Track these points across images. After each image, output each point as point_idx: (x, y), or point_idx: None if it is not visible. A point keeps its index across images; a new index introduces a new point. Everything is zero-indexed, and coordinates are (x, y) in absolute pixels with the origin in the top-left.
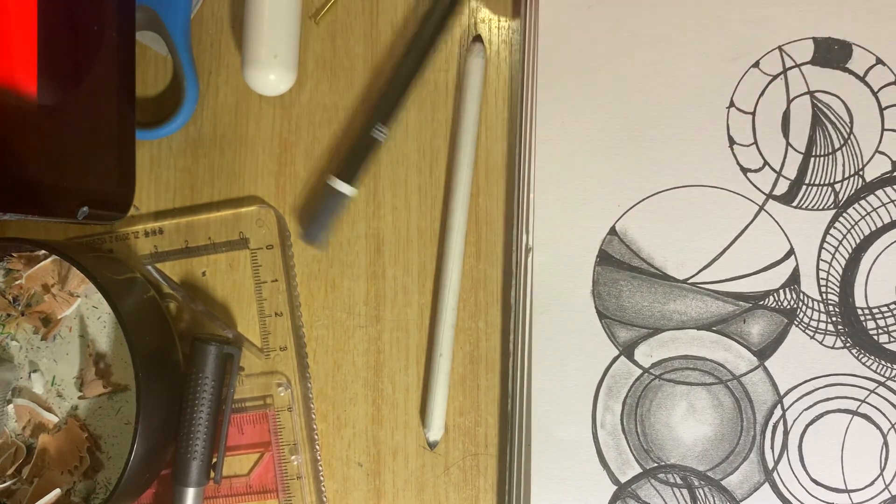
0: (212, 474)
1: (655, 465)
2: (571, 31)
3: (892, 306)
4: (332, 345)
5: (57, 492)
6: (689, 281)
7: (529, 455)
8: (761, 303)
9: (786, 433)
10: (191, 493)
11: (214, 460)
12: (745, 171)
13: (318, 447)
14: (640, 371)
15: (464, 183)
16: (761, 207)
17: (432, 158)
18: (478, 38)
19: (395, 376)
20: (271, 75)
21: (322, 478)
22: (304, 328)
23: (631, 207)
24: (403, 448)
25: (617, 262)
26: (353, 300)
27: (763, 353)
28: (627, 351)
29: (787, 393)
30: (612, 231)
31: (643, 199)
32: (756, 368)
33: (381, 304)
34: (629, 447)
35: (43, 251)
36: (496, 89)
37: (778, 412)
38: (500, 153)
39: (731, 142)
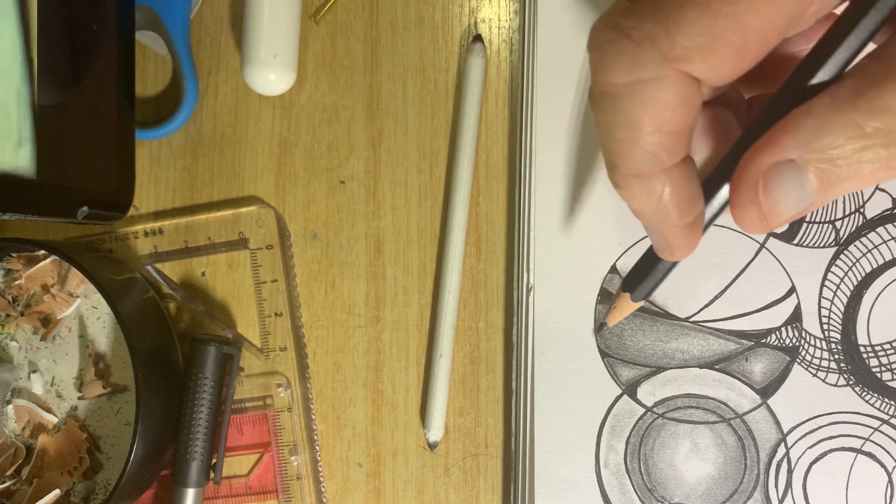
0: (211, 475)
1: None
2: (570, 42)
3: (895, 343)
4: (331, 345)
5: (56, 492)
6: (691, 319)
7: (533, 495)
8: (763, 341)
9: (790, 472)
10: (190, 494)
11: (214, 461)
12: None
13: (317, 448)
14: (643, 410)
15: (464, 183)
16: (762, 245)
17: (432, 158)
18: (478, 38)
19: (395, 377)
20: (271, 75)
21: (322, 478)
22: (304, 328)
23: (632, 245)
24: (403, 449)
25: None
26: (352, 300)
27: (766, 391)
28: (630, 390)
29: (790, 431)
30: (613, 269)
31: (644, 237)
32: (759, 407)
33: (381, 304)
34: (633, 487)
35: (42, 251)
36: (496, 89)
37: (781, 450)
38: (500, 153)
39: None
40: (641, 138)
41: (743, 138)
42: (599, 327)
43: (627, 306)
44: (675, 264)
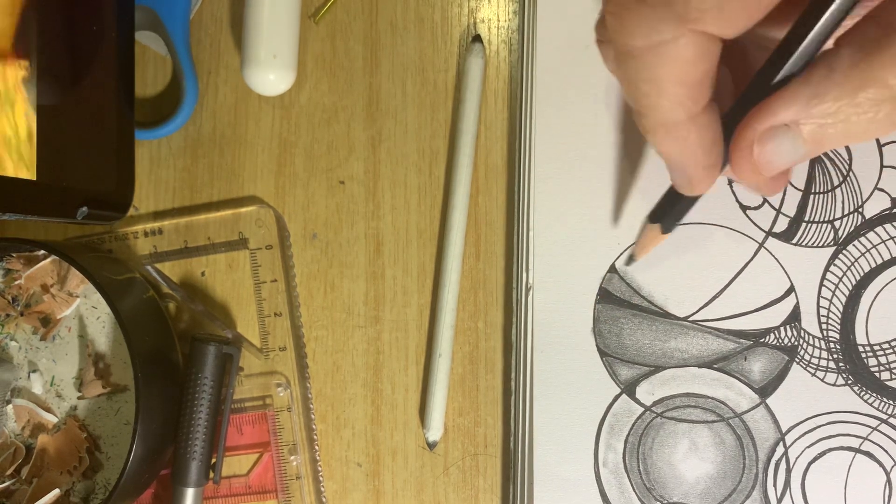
0: (211, 474)
1: (658, 503)
2: (568, 49)
3: (893, 343)
4: (331, 345)
5: (56, 492)
6: (690, 318)
7: (532, 494)
8: (762, 340)
9: (788, 471)
10: (190, 494)
11: (214, 460)
12: (744, 208)
13: (317, 447)
14: (642, 409)
15: (463, 183)
16: (761, 245)
17: (432, 158)
18: (477, 38)
19: (394, 377)
20: (271, 75)
21: (321, 478)
22: (304, 328)
23: (630, 245)
24: (403, 448)
25: (617, 299)
26: (352, 300)
27: (764, 390)
28: (629, 389)
29: (788, 430)
30: (612, 269)
31: None
32: (758, 406)
33: (381, 304)
34: (632, 486)
35: (42, 251)
36: (496, 89)
37: (780, 450)
38: (499, 153)
39: (731, 179)
40: (665, 92)
41: (741, 101)
42: (628, 260)
43: (656, 238)
44: (698, 197)
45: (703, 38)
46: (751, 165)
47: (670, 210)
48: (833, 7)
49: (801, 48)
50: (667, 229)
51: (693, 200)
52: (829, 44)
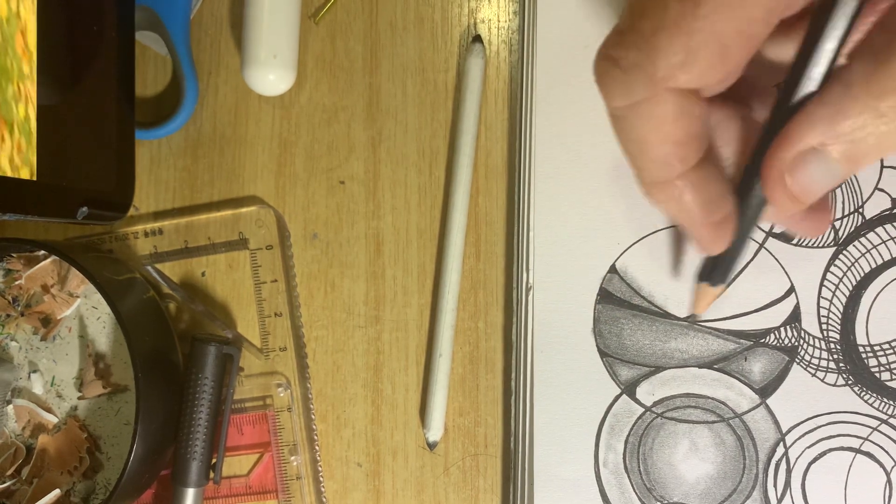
0: (211, 475)
1: (658, 503)
2: (569, 48)
3: (893, 343)
4: (331, 345)
5: (56, 492)
6: (690, 319)
7: (532, 494)
8: (762, 341)
9: (788, 471)
10: (190, 494)
11: (214, 461)
12: None
13: (317, 448)
14: (643, 409)
15: (463, 183)
16: (761, 245)
17: (432, 158)
18: (477, 39)
19: (394, 377)
20: (271, 75)
21: (321, 478)
22: (304, 328)
23: (630, 245)
24: (403, 448)
25: (618, 300)
26: (352, 300)
27: (765, 390)
28: (629, 389)
29: (789, 431)
30: (613, 269)
31: (643, 237)
32: (758, 406)
33: (381, 304)
34: (632, 486)
35: (42, 251)
36: (496, 89)
37: (780, 450)
38: (500, 153)
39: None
40: (650, 151)
41: (765, 134)
42: (691, 318)
43: (709, 294)
44: (740, 248)
45: (680, 96)
46: (787, 196)
47: (716, 266)
48: (834, 22)
49: (810, 67)
50: (716, 283)
51: (735, 255)
52: (841, 61)
